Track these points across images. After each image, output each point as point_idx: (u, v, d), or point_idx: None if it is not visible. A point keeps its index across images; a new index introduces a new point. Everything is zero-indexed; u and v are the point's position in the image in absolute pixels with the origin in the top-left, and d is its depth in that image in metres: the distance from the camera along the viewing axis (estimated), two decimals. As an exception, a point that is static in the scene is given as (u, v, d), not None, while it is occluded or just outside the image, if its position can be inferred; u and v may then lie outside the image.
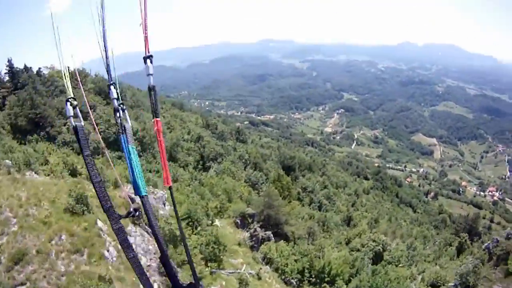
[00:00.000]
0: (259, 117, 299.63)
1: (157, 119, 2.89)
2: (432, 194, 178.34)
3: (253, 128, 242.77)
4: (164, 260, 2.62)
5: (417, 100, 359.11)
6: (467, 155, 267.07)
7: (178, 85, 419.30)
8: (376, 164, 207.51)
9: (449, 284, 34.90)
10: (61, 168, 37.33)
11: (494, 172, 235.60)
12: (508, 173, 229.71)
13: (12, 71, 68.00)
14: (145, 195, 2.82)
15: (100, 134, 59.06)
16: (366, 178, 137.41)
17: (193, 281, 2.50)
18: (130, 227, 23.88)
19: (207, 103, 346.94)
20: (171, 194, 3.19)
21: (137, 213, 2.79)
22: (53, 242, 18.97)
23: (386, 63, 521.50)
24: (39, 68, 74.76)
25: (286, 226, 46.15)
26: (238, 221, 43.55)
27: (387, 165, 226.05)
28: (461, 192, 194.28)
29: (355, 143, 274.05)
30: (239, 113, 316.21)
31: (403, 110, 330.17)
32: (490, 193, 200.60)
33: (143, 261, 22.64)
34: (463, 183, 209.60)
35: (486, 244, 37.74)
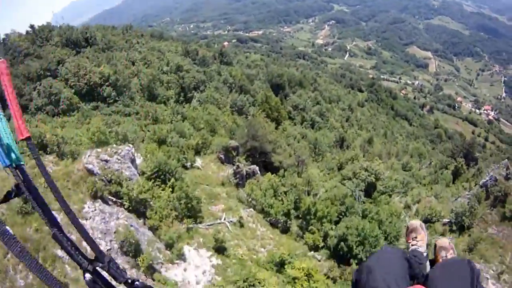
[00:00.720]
0: (247, 34, 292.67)
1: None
2: (427, 107, 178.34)
3: (242, 46, 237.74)
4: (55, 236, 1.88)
5: (411, 12, 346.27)
6: (463, 71, 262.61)
7: (160, 13, 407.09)
8: (371, 76, 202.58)
9: (444, 220, 32.87)
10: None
11: (490, 91, 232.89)
12: (504, 94, 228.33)
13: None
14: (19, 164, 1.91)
15: (72, 88, 56.58)
16: (360, 90, 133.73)
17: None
18: (87, 207, 19.99)
19: (191, 26, 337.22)
20: (31, 148, 1.92)
21: (21, 190, 1.87)
22: (8, 256, 15.70)
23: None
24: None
25: (274, 156, 41.74)
26: (222, 156, 39.23)
27: (382, 77, 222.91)
28: (456, 107, 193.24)
29: (348, 54, 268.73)
30: (226, 32, 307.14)
31: (397, 22, 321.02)
32: (485, 111, 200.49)
33: (103, 245, 19.02)
34: (459, 99, 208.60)
35: (483, 181, 35.01)
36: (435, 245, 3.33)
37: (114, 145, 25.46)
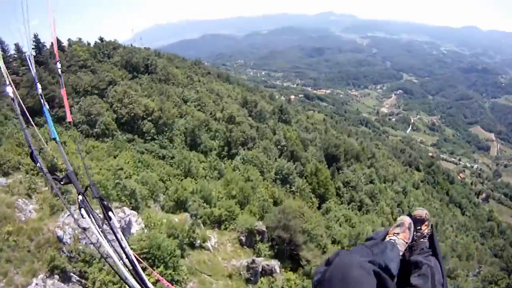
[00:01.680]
0: (314, 91, 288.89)
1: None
2: (483, 195, 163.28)
3: (308, 102, 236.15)
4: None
5: (479, 89, 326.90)
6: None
7: (234, 54, 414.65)
8: (430, 154, 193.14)
9: None
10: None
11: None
12: None
13: (38, 46, 62.67)
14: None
15: (114, 113, 55.77)
16: (418, 169, 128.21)
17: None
18: (35, 283, 15.61)
19: (263, 73, 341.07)
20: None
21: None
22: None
23: (448, 46, 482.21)
24: (62, 43, 69.93)
25: (304, 250, 35.26)
26: (243, 237, 33.38)
27: (441, 156, 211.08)
28: None
29: (410, 127, 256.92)
30: (294, 85, 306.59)
31: (463, 99, 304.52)
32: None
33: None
34: None
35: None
36: (410, 215, 3.36)
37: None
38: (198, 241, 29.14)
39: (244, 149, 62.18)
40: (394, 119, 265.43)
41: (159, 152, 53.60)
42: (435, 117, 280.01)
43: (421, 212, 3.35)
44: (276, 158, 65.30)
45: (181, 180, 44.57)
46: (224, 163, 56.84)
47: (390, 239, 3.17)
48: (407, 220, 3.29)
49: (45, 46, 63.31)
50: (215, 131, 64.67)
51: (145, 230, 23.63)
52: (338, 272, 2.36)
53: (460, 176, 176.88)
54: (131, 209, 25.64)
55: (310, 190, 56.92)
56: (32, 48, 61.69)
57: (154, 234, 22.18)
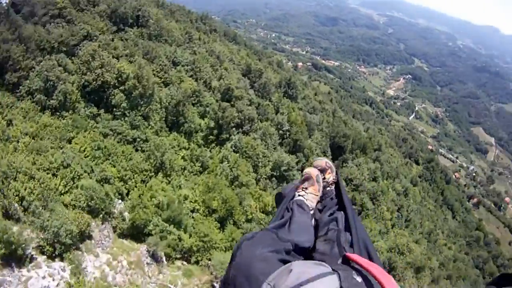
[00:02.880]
0: (323, 61, 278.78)
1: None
2: (475, 200, 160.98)
3: (314, 72, 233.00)
4: None
5: (487, 91, 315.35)
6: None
7: (247, 12, 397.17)
8: (430, 147, 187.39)
9: None
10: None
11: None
12: None
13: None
14: None
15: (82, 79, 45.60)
16: (417, 162, 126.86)
17: None
18: None
19: (273, 35, 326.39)
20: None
21: None
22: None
23: (465, 41, 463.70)
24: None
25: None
26: (217, 284, 23.18)
27: (440, 150, 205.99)
28: (502, 208, 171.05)
29: (413, 115, 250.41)
30: (304, 52, 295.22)
31: (471, 97, 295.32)
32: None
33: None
34: (507, 199, 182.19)
35: None
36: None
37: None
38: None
39: (238, 133, 51.21)
40: (399, 103, 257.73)
41: (128, 134, 42.72)
42: (439, 109, 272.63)
43: (320, 162, 3.05)
44: (275, 147, 54.81)
45: (150, 177, 34.37)
46: (211, 151, 46.48)
47: (299, 195, 2.91)
48: (313, 172, 2.97)
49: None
50: (205, 105, 53.99)
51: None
52: (241, 270, 2.20)
53: (456, 176, 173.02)
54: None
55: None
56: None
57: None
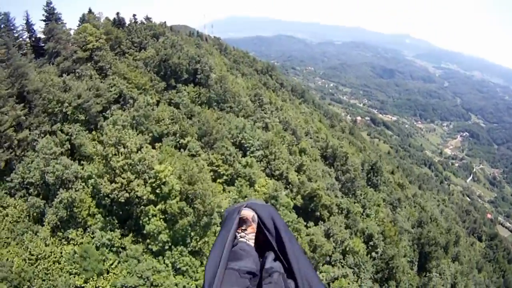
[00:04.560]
0: (380, 115, 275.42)
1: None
2: None
3: (373, 128, 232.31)
4: None
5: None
6: None
7: (305, 60, 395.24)
8: (489, 216, 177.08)
9: None
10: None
11: None
12: None
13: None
14: None
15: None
16: (480, 239, 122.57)
17: None
18: None
19: (331, 85, 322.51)
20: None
21: None
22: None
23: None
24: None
25: None
26: None
27: (499, 218, 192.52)
28: None
29: (471, 177, 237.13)
30: (361, 105, 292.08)
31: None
32: None
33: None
34: None
35: None
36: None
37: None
38: None
39: (325, 264, 42.85)
40: (456, 164, 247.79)
41: (170, 285, 29.82)
42: (497, 170, 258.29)
43: (248, 212, 2.87)
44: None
45: None
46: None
47: (241, 238, 2.87)
48: (249, 213, 2.87)
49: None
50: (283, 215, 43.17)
51: None
52: None
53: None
54: None
55: None
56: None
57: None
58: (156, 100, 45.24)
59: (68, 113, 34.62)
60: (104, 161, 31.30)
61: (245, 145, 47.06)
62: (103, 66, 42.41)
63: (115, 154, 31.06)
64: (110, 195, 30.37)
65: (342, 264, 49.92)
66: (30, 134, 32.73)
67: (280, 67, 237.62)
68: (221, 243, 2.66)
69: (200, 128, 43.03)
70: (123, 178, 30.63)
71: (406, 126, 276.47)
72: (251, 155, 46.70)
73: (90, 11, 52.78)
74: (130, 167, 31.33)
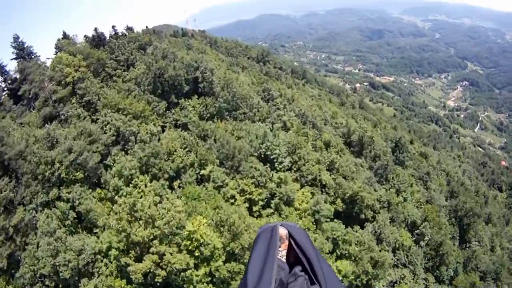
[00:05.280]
0: (378, 78, 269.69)
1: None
2: None
3: (373, 92, 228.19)
4: None
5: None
6: None
7: (292, 35, 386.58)
8: (503, 163, 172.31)
9: None
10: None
11: None
12: None
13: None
14: None
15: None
16: (500, 189, 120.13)
17: None
18: None
19: (323, 56, 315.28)
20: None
21: None
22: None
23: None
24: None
25: None
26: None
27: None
28: None
29: (478, 126, 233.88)
30: (356, 71, 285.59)
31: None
32: None
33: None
34: None
35: None
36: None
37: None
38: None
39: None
40: (462, 115, 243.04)
41: None
42: (502, 115, 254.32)
43: (283, 231, 2.84)
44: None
45: None
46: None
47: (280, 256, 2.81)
48: (283, 231, 2.83)
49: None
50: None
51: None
52: None
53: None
54: None
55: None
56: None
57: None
58: (160, 126, 38.66)
59: (62, 175, 28.16)
60: (123, 234, 25.15)
61: (271, 157, 40.21)
62: (90, 100, 35.83)
63: (133, 220, 25.04)
64: (144, 281, 24.73)
65: (396, 264, 46.30)
66: (25, 211, 26.72)
67: (269, 48, 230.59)
68: (264, 258, 2.57)
69: (219, 150, 36.67)
70: (153, 254, 24.76)
71: (405, 84, 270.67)
72: (280, 166, 40.34)
73: (64, 36, 46.24)
74: (157, 236, 25.35)
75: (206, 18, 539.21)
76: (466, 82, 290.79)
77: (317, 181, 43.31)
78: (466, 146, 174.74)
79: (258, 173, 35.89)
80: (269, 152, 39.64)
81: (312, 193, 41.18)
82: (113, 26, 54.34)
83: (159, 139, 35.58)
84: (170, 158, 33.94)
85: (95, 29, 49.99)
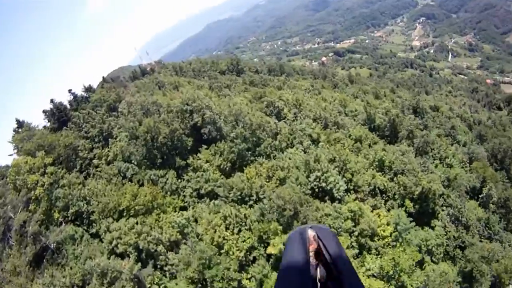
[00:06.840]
0: (339, 44, 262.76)
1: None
2: None
3: (341, 60, 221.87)
4: None
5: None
6: None
7: (243, 34, 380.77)
8: (488, 81, 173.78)
9: None
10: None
11: None
12: None
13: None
14: None
15: None
16: (499, 108, 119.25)
17: None
18: None
19: (279, 43, 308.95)
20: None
21: None
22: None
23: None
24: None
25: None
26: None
27: (496, 78, 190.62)
28: None
29: (450, 54, 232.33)
30: (316, 45, 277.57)
31: (487, 8, 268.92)
32: None
33: None
34: None
35: None
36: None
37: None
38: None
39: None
40: (432, 51, 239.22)
41: None
42: (468, 36, 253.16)
43: (311, 234, 2.90)
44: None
45: None
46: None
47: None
48: (312, 233, 2.90)
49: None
50: None
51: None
52: None
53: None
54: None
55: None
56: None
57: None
58: (181, 207, 28.33)
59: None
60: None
61: (327, 188, 30.23)
62: (78, 210, 25.76)
63: None
64: None
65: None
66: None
67: (226, 54, 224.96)
68: (298, 258, 2.64)
69: (278, 220, 25.57)
70: None
71: (367, 41, 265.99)
72: (338, 192, 30.76)
73: (18, 123, 37.29)
74: None
75: (155, 47, 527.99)
76: (423, 18, 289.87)
77: (376, 188, 34.94)
78: (451, 79, 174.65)
79: (331, 218, 27.10)
80: (323, 184, 29.74)
81: (388, 209, 33.08)
82: (70, 90, 46.00)
83: (192, 230, 25.09)
84: (221, 251, 23.37)
85: (51, 101, 41.98)
